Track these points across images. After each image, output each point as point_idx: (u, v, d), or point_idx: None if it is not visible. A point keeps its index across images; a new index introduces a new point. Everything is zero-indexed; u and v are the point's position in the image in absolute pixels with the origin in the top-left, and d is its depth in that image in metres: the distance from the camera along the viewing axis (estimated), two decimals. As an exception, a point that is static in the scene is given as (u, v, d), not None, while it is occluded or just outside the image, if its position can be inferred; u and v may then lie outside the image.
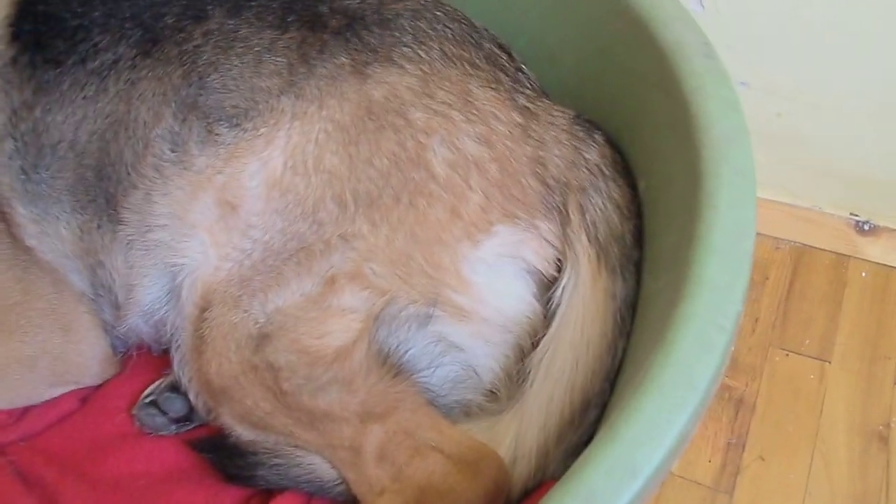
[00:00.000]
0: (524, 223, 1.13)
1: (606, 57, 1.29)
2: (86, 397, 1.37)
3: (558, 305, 1.11)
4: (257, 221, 1.15)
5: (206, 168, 1.18)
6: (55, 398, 1.35)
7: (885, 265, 1.81)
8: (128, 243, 1.22)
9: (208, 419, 1.25)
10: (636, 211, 1.15)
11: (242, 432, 1.17)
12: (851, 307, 1.74)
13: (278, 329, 1.11)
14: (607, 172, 1.15)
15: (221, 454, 1.21)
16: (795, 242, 1.88)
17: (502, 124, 1.16)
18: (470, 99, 1.17)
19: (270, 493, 1.20)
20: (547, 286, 1.15)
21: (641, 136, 1.19)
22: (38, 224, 1.24)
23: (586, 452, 0.80)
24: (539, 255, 1.13)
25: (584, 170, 1.15)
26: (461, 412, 1.17)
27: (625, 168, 1.18)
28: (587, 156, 1.16)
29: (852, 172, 1.80)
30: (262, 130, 1.17)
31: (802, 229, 1.88)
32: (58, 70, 1.22)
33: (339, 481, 1.13)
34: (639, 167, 1.18)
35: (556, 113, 1.20)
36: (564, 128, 1.18)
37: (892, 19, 1.54)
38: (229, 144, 1.17)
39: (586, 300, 1.10)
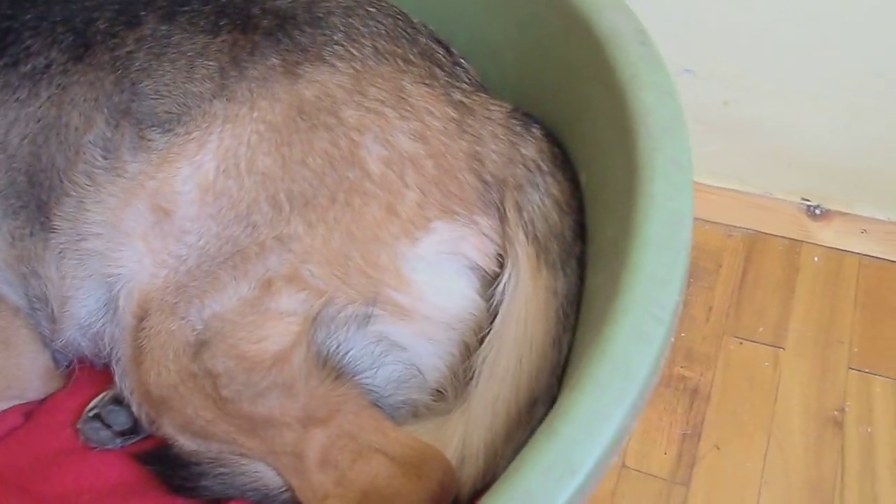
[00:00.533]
0: (463, 219, 1.11)
1: (545, 50, 1.28)
2: (29, 413, 1.35)
3: (500, 304, 1.10)
4: (192, 227, 1.13)
5: (138, 174, 1.16)
6: (-1, 414, 1.32)
7: (837, 249, 1.83)
8: (60, 252, 1.20)
9: (151, 430, 1.22)
10: (576, 206, 1.14)
11: (185, 442, 1.15)
12: (804, 292, 1.75)
13: (216, 335, 1.09)
14: (545, 168, 1.14)
15: (166, 466, 1.19)
16: (748, 229, 1.88)
17: (437, 120, 1.14)
18: (403, 95, 1.15)
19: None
20: (489, 283, 1.14)
21: (582, 129, 1.17)
22: None
23: (523, 452, 0.78)
24: (480, 251, 1.12)
25: (521, 166, 1.13)
26: (409, 413, 1.15)
27: (563, 162, 1.17)
28: (524, 151, 1.15)
29: (802, 158, 1.81)
30: (195, 134, 1.15)
31: (754, 216, 1.88)
32: None
33: (284, 488, 1.11)
34: (580, 160, 1.17)
35: (492, 107, 1.19)
36: (501, 122, 1.17)
37: (838, 2, 1.55)
38: (161, 150, 1.15)
39: (528, 298, 1.08)
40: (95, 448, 1.29)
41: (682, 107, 1.02)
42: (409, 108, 1.14)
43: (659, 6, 1.65)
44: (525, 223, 1.11)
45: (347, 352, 1.08)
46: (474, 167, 1.13)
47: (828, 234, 1.84)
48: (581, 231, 1.13)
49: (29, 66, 1.21)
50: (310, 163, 1.11)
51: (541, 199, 1.12)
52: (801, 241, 1.84)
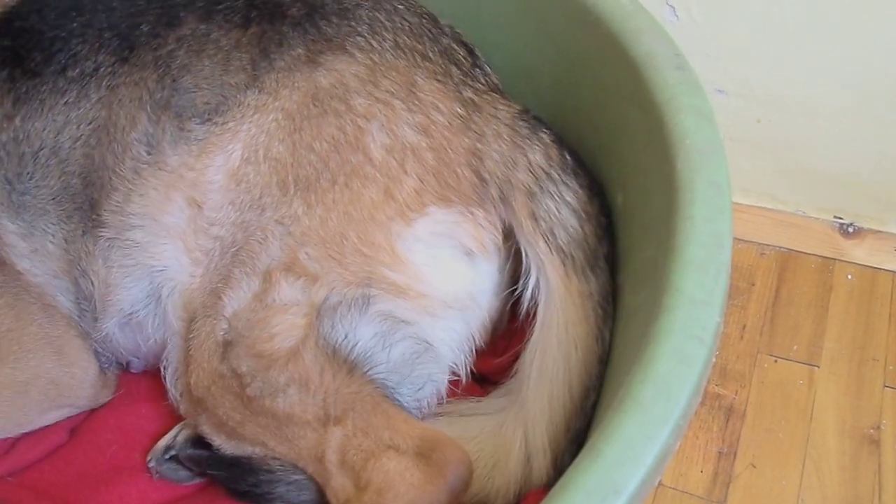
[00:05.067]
0: (459, 207, 1.15)
1: (581, 71, 1.29)
2: (73, 429, 1.37)
3: (535, 309, 1.14)
4: (216, 217, 1.17)
5: (179, 166, 1.20)
6: (43, 431, 1.34)
7: (870, 267, 1.82)
8: (108, 244, 1.24)
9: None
10: (595, 211, 1.16)
11: (221, 443, 1.18)
12: (838, 310, 1.74)
13: (237, 335, 1.12)
14: (555, 175, 1.16)
15: (233, 472, 1.20)
16: (780, 248, 1.88)
17: (442, 115, 1.18)
18: (413, 89, 1.19)
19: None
20: (493, 272, 1.18)
21: (618, 150, 1.19)
22: (27, 241, 1.25)
23: (568, 473, 0.79)
24: (475, 238, 1.16)
25: (528, 171, 1.16)
26: (434, 392, 1.19)
27: (574, 168, 1.19)
28: (531, 156, 1.17)
29: (835, 175, 1.80)
30: (231, 125, 1.20)
31: (787, 234, 1.88)
32: (36, 80, 1.25)
33: None
34: (616, 181, 1.18)
35: (500, 107, 1.22)
36: (506, 122, 1.20)
37: (866, 19, 1.55)
38: (200, 140, 1.20)
39: (563, 304, 1.12)
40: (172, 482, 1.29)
41: (720, 130, 1.04)
42: (417, 102, 1.18)
43: (693, 29, 1.66)
44: (544, 233, 1.14)
45: (357, 342, 1.10)
46: (473, 163, 1.16)
47: (861, 252, 1.83)
48: (604, 233, 1.16)
49: (77, 71, 1.26)
50: (316, 147, 1.15)
51: (557, 207, 1.15)
52: (835, 259, 1.84)
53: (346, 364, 1.09)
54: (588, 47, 1.27)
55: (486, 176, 1.16)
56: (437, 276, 1.15)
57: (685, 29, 1.67)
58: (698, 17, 1.65)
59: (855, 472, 1.49)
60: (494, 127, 1.19)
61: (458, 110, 1.19)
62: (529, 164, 1.17)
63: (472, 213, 1.15)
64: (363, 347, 1.11)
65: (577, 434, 1.07)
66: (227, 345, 1.12)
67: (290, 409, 1.09)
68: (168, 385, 1.24)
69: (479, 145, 1.17)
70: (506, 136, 1.18)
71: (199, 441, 1.25)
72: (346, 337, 1.10)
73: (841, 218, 1.86)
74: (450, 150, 1.16)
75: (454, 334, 1.18)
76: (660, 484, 1.49)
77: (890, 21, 1.54)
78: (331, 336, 1.10)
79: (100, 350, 1.34)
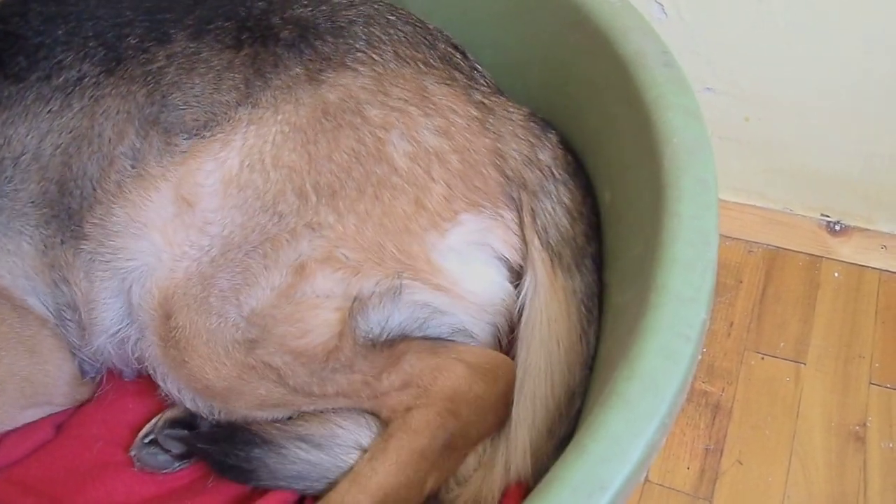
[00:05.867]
0: (489, 212, 1.16)
1: (570, 69, 1.30)
2: (60, 425, 1.37)
3: (524, 305, 1.14)
4: (214, 217, 1.16)
5: (161, 172, 1.20)
6: (29, 427, 1.34)
7: (857, 265, 1.83)
8: (90, 257, 1.23)
9: (215, 417, 1.23)
10: (587, 211, 1.18)
11: (264, 415, 1.19)
12: (825, 308, 1.76)
13: (262, 333, 1.13)
14: (558, 175, 1.18)
15: (222, 446, 1.19)
16: (768, 245, 1.89)
17: (460, 117, 1.19)
18: (426, 94, 1.20)
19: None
20: (516, 273, 1.18)
21: (606, 149, 1.19)
22: None
23: (553, 469, 0.79)
24: (505, 242, 1.17)
25: (538, 170, 1.18)
26: None
27: (576, 169, 1.20)
28: (541, 155, 1.19)
29: (823, 174, 1.81)
30: (219, 136, 1.19)
31: (774, 232, 1.89)
32: (20, 85, 1.25)
33: (326, 479, 1.14)
34: (604, 179, 1.19)
35: (511, 109, 1.23)
36: (521, 123, 1.21)
37: (858, 19, 1.56)
38: (185, 151, 1.20)
39: (547, 300, 1.13)
40: (151, 472, 1.29)
41: (707, 128, 1.04)
42: (432, 106, 1.18)
43: (682, 26, 1.66)
44: (539, 230, 1.15)
45: (393, 322, 1.12)
46: (497, 162, 1.17)
47: (848, 250, 1.85)
48: (593, 233, 1.17)
49: (61, 79, 1.25)
50: (336, 158, 1.15)
51: (553, 206, 1.16)
52: (822, 257, 1.85)
53: (386, 342, 1.12)
54: (576, 45, 1.27)
55: (510, 173, 1.17)
56: (472, 282, 1.17)
57: (673, 26, 1.68)
58: (686, 14, 1.66)
59: (841, 468, 1.50)
60: (510, 127, 1.20)
61: (473, 112, 1.20)
62: (539, 163, 1.18)
63: (501, 216, 1.16)
64: (400, 328, 1.13)
65: (561, 441, 1.07)
66: (250, 343, 1.13)
67: (339, 388, 1.13)
68: (160, 383, 1.23)
69: (499, 145, 1.18)
70: (522, 137, 1.19)
71: (178, 422, 1.27)
72: (386, 321, 1.12)
73: (828, 216, 1.87)
74: (473, 151, 1.17)
75: (486, 334, 1.19)
76: (646, 480, 1.50)
77: (881, 21, 1.55)
78: (368, 329, 1.11)
79: (89, 361, 1.34)
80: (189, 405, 1.22)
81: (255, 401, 1.16)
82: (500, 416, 1.12)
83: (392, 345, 1.11)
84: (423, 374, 1.11)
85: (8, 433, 1.33)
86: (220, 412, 1.21)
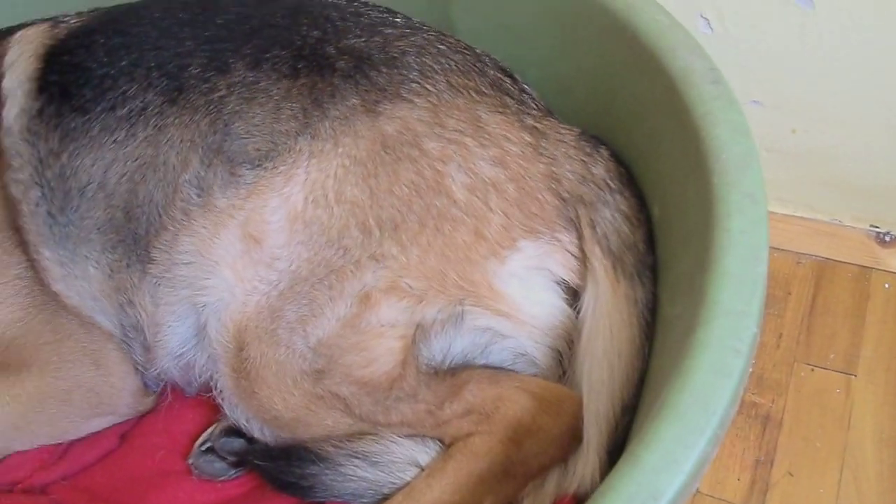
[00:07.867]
0: (546, 237, 1.18)
1: (617, 87, 1.32)
2: (124, 434, 1.41)
3: (584, 318, 1.15)
4: (282, 253, 1.19)
5: (227, 207, 1.23)
6: (95, 436, 1.39)
7: (907, 276, 1.82)
8: (156, 282, 1.27)
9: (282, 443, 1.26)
10: (645, 219, 1.19)
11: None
12: (875, 319, 1.74)
13: (328, 363, 1.16)
14: (613, 185, 1.19)
15: (279, 464, 1.23)
16: (817, 257, 1.88)
17: (514, 145, 1.20)
18: (480, 124, 1.22)
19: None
20: (574, 294, 1.19)
21: (655, 164, 1.21)
22: (63, 266, 1.29)
23: (607, 480, 0.82)
24: (564, 265, 1.18)
25: (592, 185, 1.19)
26: None
27: (629, 179, 1.22)
28: (594, 170, 1.20)
29: (871, 184, 1.80)
30: (281, 168, 1.22)
31: (823, 243, 1.88)
32: (86, 117, 1.29)
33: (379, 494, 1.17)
34: (653, 194, 1.20)
35: (563, 130, 1.25)
36: (573, 144, 1.23)
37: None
38: (250, 184, 1.23)
39: (610, 309, 1.14)
40: (209, 480, 1.34)
41: (755, 143, 1.05)
42: (487, 136, 1.21)
43: (728, 41, 1.67)
44: (599, 238, 1.16)
45: (455, 349, 1.15)
46: (552, 187, 1.19)
47: (898, 261, 1.84)
48: (651, 243, 1.18)
49: (126, 109, 1.29)
50: (397, 191, 1.17)
51: (612, 214, 1.17)
52: (871, 268, 1.84)
53: (449, 370, 1.14)
54: (624, 63, 1.29)
55: (566, 195, 1.19)
56: (533, 307, 1.18)
57: (719, 40, 1.68)
58: (732, 28, 1.66)
59: (893, 480, 1.49)
60: (563, 150, 1.22)
61: (527, 138, 1.22)
62: (594, 177, 1.20)
63: (558, 240, 1.18)
64: (462, 355, 1.16)
65: (612, 453, 1.08)
66: (317, 373, 1.16)
67: (403, 417, 1.15)
68: (227, 412, 1.27)
69: (554, 168, 1.20)
70: (574, 157, 1.21)
71: (234, 430, 1.30)
72: (448, 348, 1.15)
73: (878, 227, 1.86)
74: (528, 178, 1.19)
75: (547, 359, 1.20)
76: (697, 491, 1.50)
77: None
78: (431, 356, 1.14)
79: (154, 379, 1.39)
80: (257, 435, 1.26)
81: (322, 431, 1.19)
82: (564, 449, 1.12)
83: (454, 373, 1.14)
84: (486, 403, 1.13)
85: (75, 442, 1.38)
86: (286, 439, 1.24)
